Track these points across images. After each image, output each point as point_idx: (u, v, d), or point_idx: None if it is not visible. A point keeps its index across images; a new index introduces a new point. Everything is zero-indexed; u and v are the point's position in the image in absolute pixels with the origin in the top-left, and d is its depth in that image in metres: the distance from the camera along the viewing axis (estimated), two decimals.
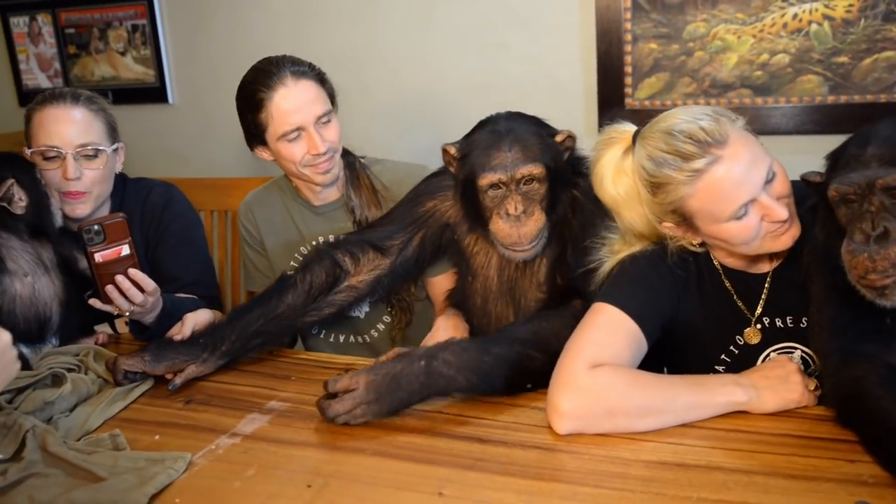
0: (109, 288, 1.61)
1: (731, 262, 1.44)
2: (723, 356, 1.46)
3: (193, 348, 1.57)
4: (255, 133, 1.84)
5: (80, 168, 1.77)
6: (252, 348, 1.62)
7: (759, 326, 1.44)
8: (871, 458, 1.12)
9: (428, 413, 1.38)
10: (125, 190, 1.91)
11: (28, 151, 1.77)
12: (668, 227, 1.38)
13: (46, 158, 1.76)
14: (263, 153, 1.88)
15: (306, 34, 2.76)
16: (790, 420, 1.26)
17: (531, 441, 1.26)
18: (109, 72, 3.09)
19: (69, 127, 1.77)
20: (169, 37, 2.99)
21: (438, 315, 1.82)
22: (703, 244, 1.41)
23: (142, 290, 1.63)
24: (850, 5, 2.18)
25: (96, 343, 1.75)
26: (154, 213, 1.91)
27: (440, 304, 1.87)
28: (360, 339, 1.98)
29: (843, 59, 2.22)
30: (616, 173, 1.40)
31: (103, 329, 1.83)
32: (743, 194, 1.27)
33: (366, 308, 1.93)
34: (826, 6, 2.20)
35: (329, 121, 1.83)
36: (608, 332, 1.33)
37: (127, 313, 1.66)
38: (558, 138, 1.64)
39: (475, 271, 1.74)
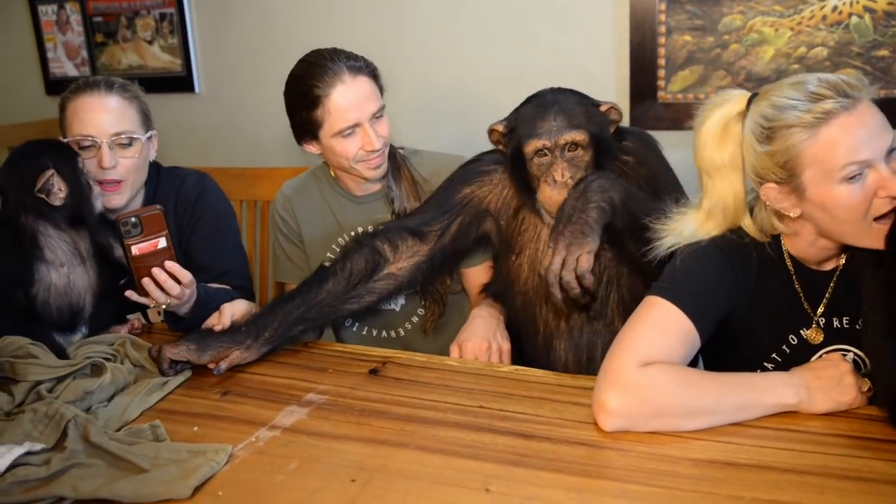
0: (146, 280, 1.60)
1: (810, 254, 1.38)
2: (774, 354, 1.43)
3: (237, 335, 1.56)
4: (307, 129, 1.81)
5: (115, 156, 1.76)
6: (294, 335, 1.62)
7: (821, 323, 1.40)
8: None
9: (469, 408, 1.36)
10: (159, 179, 1.90)
11: (64, 141, 1.76)
12: (770, 189, 1.31)
13: (82, 147, 1.75)
14: (312, 147, 1.86)
15: (333, 26, 2.75)
16: (841, 420, 1.23)
17: (576, 437, 1.24)
18: (136, 60, 3.09)
19: (103, 115, 1.76)
20: (196, 26, 2.98)
21: (474, 307, 1.80)
22: (799, 217, 1.33)
23: (178, 282, 1.62)
24: None
25: (130, 330, 1.75)
26: (188, 203, 1.90)
27: (475, 296, 1.86)
28: (392, 333, 1.96)
29: (883, 52, 2.18)
30: (722, 137, 1.34)
31: (136, 317, 1.82)
32: (865, 151, 1.21)
33: (402, 301, 1.92)
34: None
35: (381, 116, 1.82)
36: (661, 330, 1.30)
37: (164, 305, 1.65)
38: (602, 108, 1.66)
39: (521, 247, 1.71)
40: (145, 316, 1.86)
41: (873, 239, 1.27)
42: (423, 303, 1.91)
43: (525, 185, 1.65)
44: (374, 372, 1.54)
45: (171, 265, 1.61)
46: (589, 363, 1.68)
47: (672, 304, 1.31)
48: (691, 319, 1.30)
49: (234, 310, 1.66)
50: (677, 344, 1.29)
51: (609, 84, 2.47)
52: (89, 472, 1.19)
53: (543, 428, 1.28)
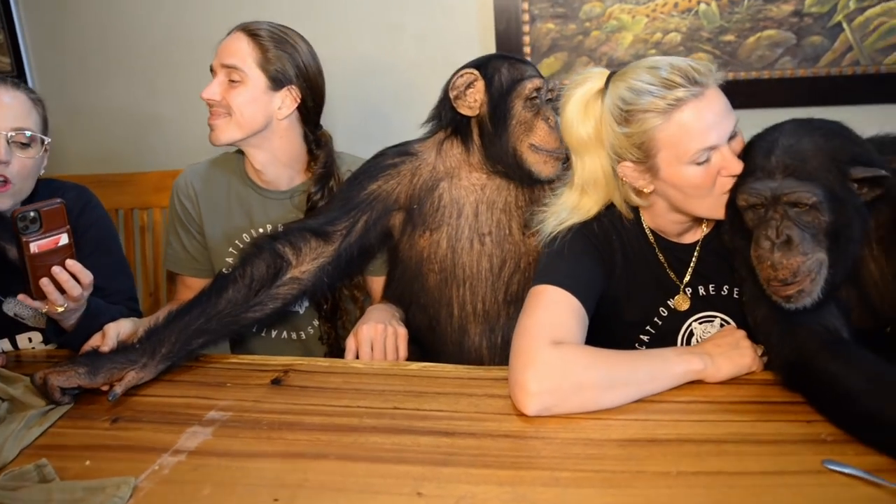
0: (45, 281, 1.45)
1: (666, 226, 1.48)
2: (647, 326, 1.52)
3: (130, 354, 1.44)
4: None
5: (11, 152, 1.59)
6: (194, 349, 1.52)
7: (688, 292, 1.49)
8: (824, 418, 1.17)
9: (384, 410, 1.32)
10: (36, 191, 1.71)
11: None
12: (626, 167, 1.38)
13: None
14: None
15: (188, 20, 2.59)
16: (742, 387, 1.30)
17: (499, 430, 1.23)
18: None
19: (7, 108, 1.60)
20: (26, 20, 2.72)
21: None
22: (651, 193, 1.42)
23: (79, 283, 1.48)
24: None
25: None
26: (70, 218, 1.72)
27: (379, 301, 1.82)
28: (293, 335, 1.89)
29: (729, 37, 2.32)
30: (584, 115, 1.41)
31: (1, 347, 1.64)
32: (711, 137, 1.31)
33: (306, 303, 1.84)
34: None
35: (238, 82, 1.73)
36: (556, 312, 1.35)
37: (59, 310, 1.50)
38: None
39: (438, 223, 1.69)
40: (13, 342, 1.68)
41: (718, 211, 1.37)
42: (324, 307, 1.85)
43: (504, 134, 1.64)
44: (276, 382, 1.46)
45: (73, 264, 1.47)
46: (503, 347, 1.68)
47: (556, 287, 1.37)
48: (576, 297, 1.37)
49: (119, 329, 1.53)
50: (573, 322, 1.34)
51: None
52: None
53: (464, 424, 1.26)
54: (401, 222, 1.73)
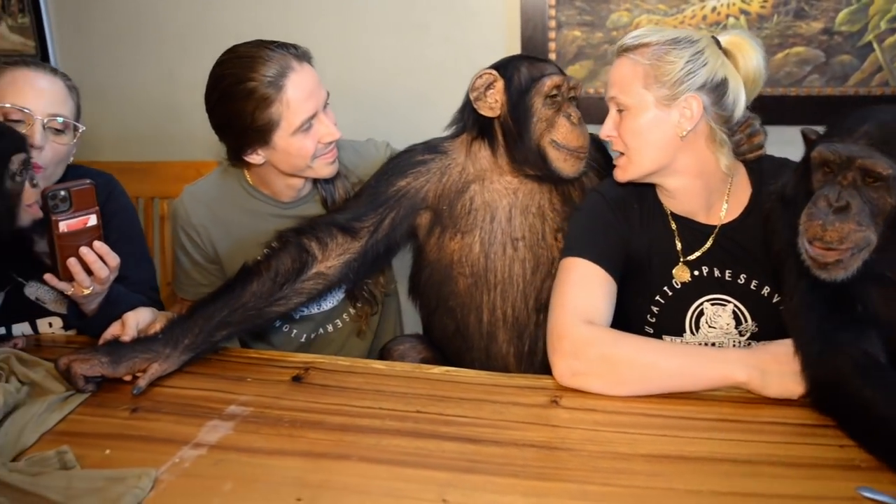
0: (72, 261, 1.44)
1: (678, 208, 1.53)
2: (658, 296, 1.54)
3: (153, 345, 1.42)
4: (258, 134, 1.60)
5: (46, 137, 1.57)
6: (217, 341, 1.50)
7: (696, 273, 1.52)
8: (857, 444, 1.16)
9: (407, 413, 1.31)
10: (64, 177, 1.68)
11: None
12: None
13: (9, 120, 1.55)
14: (257, 157, 1.65)
15: (212, 10, 2.58)
16: (771, 408, 1.28)
17: (523, 439, 1.22)
18: None
19: (44, 93, 1.59)
20: (52, 4, 2.71)
21: None
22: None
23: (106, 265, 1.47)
24: (765, 1, 2.26)
25: (14, 348, 1.55)
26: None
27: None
28: (321, 331, 1.85)
29: None
30: None
31: (22, 331, 1.63)
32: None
33: (333, 302, 1.81)
34: (743, 1, 2.27)
35: (328, 103, 1.68)
36: (585, 286, 1.43)
37: (86, 292, 1.49)
38: None
39: (470, 227, 1.66)
40: (33, 327, 1.66)
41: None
42: (356, 304, 1.82)
43: (525, 134, 1.61)
44: (297, 379, 1.44)
45: (100, 246, 1.47)
46: (530, 355, 1.67)
47: (581, 258, 1.46)
48: (599, 265, 1.45)
49: (139, 318, 1.51)
50: (601, 293, 1.44)
51: None
52: None
53: (488, 431, 1.24)
54: (428, 222, 1.70)
